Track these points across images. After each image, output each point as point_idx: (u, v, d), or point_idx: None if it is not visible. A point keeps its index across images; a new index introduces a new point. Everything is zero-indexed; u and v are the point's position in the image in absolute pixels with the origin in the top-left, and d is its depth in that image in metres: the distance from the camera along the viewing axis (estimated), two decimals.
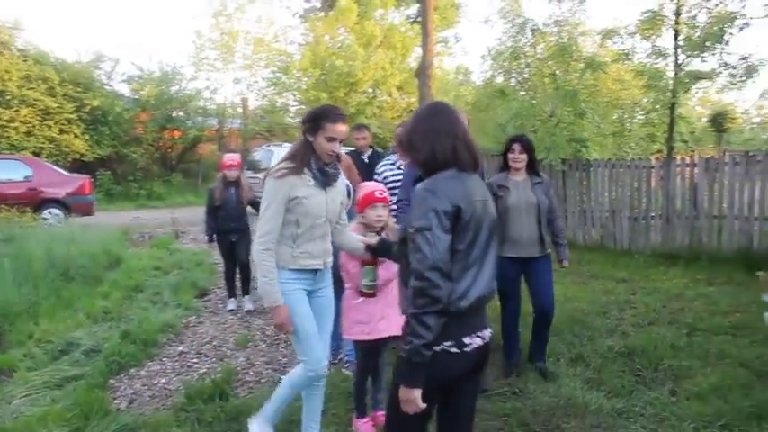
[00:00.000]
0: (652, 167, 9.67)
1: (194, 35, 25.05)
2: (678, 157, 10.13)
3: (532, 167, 4.59)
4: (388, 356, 3.91)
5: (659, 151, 14.41)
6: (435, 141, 2.28)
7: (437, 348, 2.13)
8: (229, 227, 6.62)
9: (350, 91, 22.89)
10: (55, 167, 14.24)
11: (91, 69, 21.37)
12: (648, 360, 4.79)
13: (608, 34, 12.36)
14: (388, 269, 3.41)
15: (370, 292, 3.39)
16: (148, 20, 52.56)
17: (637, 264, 8.68)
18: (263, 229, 3.06)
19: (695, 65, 11.38)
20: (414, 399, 2.12)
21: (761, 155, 8.77)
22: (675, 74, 10.93)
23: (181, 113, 23.22)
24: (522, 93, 13.22)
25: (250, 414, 3.52)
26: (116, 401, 4.32)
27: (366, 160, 6.12)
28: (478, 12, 58.08)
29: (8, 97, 18.16)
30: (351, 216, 3.61)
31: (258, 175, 9.84)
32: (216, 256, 8.30)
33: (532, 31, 12.25)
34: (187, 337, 5.83)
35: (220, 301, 7.07)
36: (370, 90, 24.16)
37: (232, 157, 6.82)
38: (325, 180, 3.17)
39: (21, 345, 5.30)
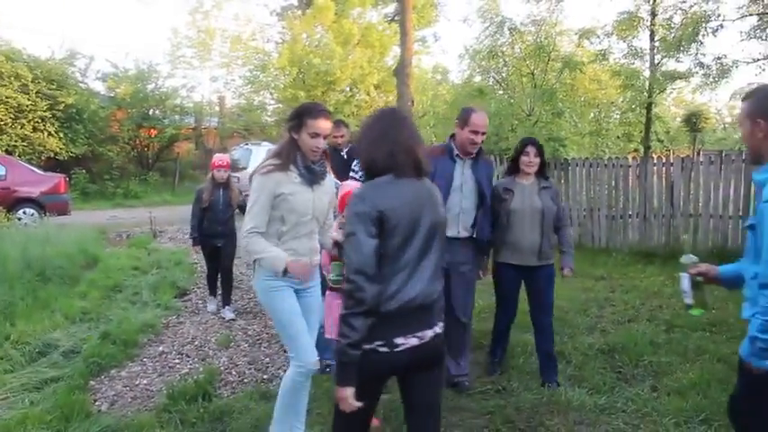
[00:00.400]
0: (629, 166, 9.78)
1: (171, 32, 24.87)
2: (655, 156, 10.27)
3: (542, 171, 4.45)
4: None
5: (636, 150, 14.62)
6: (374, 147, 2.35)
7: (367, 347, 2.19)
8: (216, 230, 6.37)
9: (328, 89, 22.83)
10: (29, 166, 14.03)
11: (65, 66, 20.99)
12: (629, 357, 4.85)
13: (585, 34, 12.52)
14: None
15: (337, 287, 3.40)
16: (124, 17, 52.01)
17: (615, 262, 8.78)
18: (249, 224, 3.07)
19: (671, 65, 11.56)
20: (346, 397, 2.19)
21: (735, 154, 8.93)
22: (652, 73, 11.07)
23: (157, 111, 22.97)
24: (501, 92, 13.32)
25: (233, 414, 3.50)
26: (97, 403, 4.27)
27: (345, 156, 6.10)
28: (457, 11, 58.33)
29: None
30: None
31: (237, 174, 9.76)
32: (196, 256, 8.23)
33: (510, 30, 12.35)
34: (168, 337, 5.77)
35: (201, 301, 7.02)
36: (348, 89, 24.15)
37: (221, 158, 6.55)
38: (312, 178, 3.17)
39: None
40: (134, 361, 5.11)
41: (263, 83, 24.12)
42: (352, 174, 5.01)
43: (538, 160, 4.36)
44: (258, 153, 15.04)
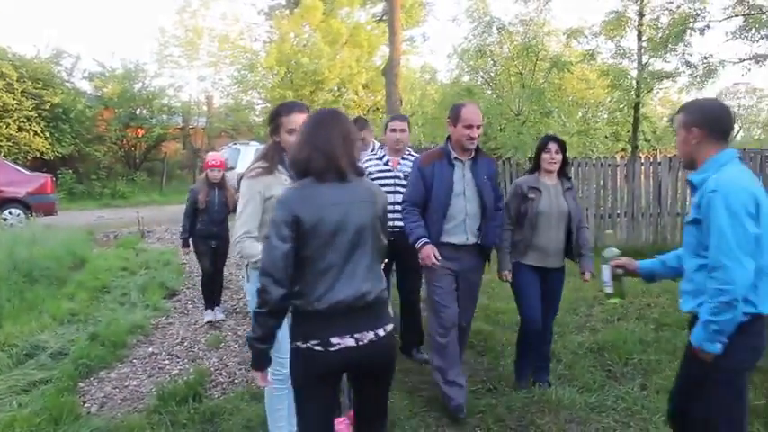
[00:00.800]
0: (617, 166, 9.83)
1: (158, 32, 24.76)
2: (642, 156, 10.33)
3: (562, 170, 4.30)
4: None
5: (623, 150, 14.70)
6: (296, 150, 2.43)
7: (302, 345, 2.30)
8: (211, 231, 6.13)
9: (316, 89, 22.83)
10: (15, 166, 13.90)
11: (51, 65, 20.83)
12: (618, 355, 4.87)
13: (573, 34, 12.58)
14: None
15: None
16: (110, 16, 51.66)
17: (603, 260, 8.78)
18: (241, 229, 3.03)
19: (658, 65, 11.65)
20: (258, 377, 2.43)
21: None
22: (639, 73, 11.15)
23: (144, 111, 22.85)
24: (489, 91, 13.36)
25: (224, 415, 3.46)
26: (86, 405, 4.24)
27: None
28: (445, 10, 58.41)
29: None
30: None
31: (226, 174, 9.70)
32: (184, 257, 8.17)
33: (499, 29, 12.38)
34: (157, 338, 5.74)
35: (190, 302, 6.98)
36: (337, 88, 24.15)
37: (215, 157, 6.32)
38: None
39: None
40: (123, 362, 5.08)
41: (251, 82, 24.09)
42: None
43: (559, 157, 4.20)
44: (247, 153, 14.99)
